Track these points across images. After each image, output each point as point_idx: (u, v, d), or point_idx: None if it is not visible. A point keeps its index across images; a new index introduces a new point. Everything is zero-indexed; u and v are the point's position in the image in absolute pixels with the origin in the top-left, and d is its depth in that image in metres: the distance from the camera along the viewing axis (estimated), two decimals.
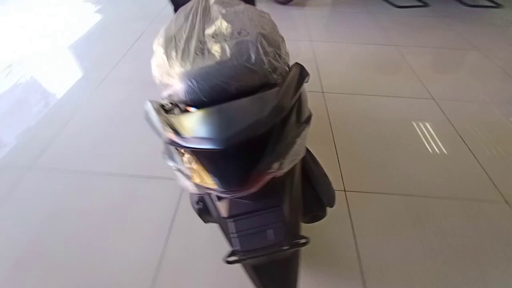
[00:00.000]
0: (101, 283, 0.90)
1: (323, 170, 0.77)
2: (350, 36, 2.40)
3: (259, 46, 0.47)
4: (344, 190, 1.18)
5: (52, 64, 1.92)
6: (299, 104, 0.56)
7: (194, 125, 0.41)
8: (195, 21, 0.55)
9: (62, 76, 1.80)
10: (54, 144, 1.35)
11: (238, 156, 0.44)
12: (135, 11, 2.62)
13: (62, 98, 1.63)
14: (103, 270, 0.93)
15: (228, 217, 0.50)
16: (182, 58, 0.47)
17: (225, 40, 0.48)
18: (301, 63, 0.59)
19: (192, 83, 0.44)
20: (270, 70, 0.48)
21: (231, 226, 0.49)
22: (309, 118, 0.59)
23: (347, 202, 1.14)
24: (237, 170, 0.43)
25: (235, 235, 0.48)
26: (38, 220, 1.06)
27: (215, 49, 0.47)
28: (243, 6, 0.61)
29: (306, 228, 0.84)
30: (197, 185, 0.46)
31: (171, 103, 0.50)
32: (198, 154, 0.44)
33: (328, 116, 1.55)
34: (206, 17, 0.56)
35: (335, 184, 1.19)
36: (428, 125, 1.53)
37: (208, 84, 0.44)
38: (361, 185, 1.21)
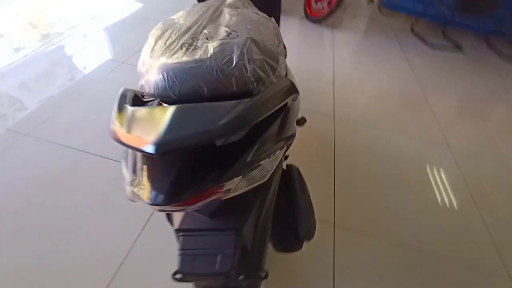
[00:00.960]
0: (62, 265, 0.86)
1: (309, 198, 0.72)
2: (374, 66, 2.34)
3: (244, 51, 0.42)
4: (334, 225, 1.11)
5: (85, 41, 1.97)
6: (280, 122, 0.51)
7: (139, 122, 0.36)
8: (200, 18, 0.52)
9: (90, 55, 1.85)
10: (57, 116, 1.36)
11: (183, 166, 0.39)
12: (177, 4, 2.69)
13: (82, 75, 1.66)
14: (71, 252, 0.90)
15: (178, 230, 0.45)
16: (166, 49, 0.44)
17: (213, 40, 0.45)
18: (292, 80, 0.54)
19: (163, 76, 0.40)
20: (253, 79, 0.43)
21: (179, 240, 0.44)
22: (288, 138, 0.54)
23: (334, 238, 1.06)
24: (172, 181, 0.37)
25: (179, 252, 0.42)
26: (19, 186, 1.05)
27: (201, 47, 0.44)
28: (252, 12, 0.58)
29: (282, 256, 0.78)
30: (131, 190, 0.41)
31: (144, 95, 0.46)
32: (143, 156, 0.40)
33: (334, 142, 1.49)
34: (213, 16, 0.53)
35: (326, 215, 1.12)
36: (437, 173, 1.44)
37: (180, 81, 0.40)
38: (354, 224, 1.13)
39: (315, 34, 2.74)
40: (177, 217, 0.48)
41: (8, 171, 1.10)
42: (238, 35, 0.45)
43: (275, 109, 0.44)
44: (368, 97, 1.95)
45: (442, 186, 1.37)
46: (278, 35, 0.55)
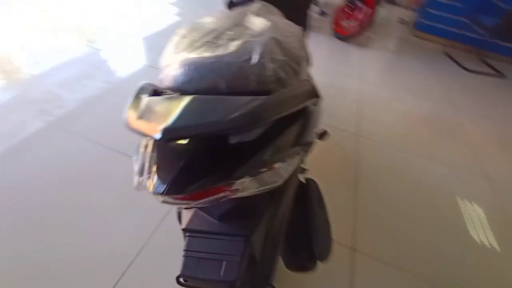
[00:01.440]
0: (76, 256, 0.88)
1: (327, 216, 0.67)
2: (404, 87, 2.25)
3: (266, 49, 0.42)
4: (353, 249, 1.03)
5: (124, 48, 2.13)
6: (299, 126, 0.49)
7: (152, 109, 0.36)
8: (226, 22, 0.52)
9: (128, 60, 1.98)
10: (91, 115, 1.44)
11: (193, 159, 0.38)
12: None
13: (119, 79, 1.78)
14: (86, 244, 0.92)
15: (185, 229, 0.43)
16: (189, 46, 0.45)
17: (236, 40, 0.45)
18: (313, 84, 0.52)
19: (183, 69, 0.40)
20: (273, 79, 0.42)
21: (185, 241, 0.42)
22: (305, 145, 0.51)
23: (352, 263, 0.99)
24: (178, 172, 0.36)
25: (183, 253, 0.40)
26: (46, 177, 1.11)
27: (223, 45, 0.44)
28: (278, 18, 0.58)
29: (294, 275, 0.73)
30: (138, 180, 0.40)
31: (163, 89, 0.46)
32: (154, 147, 0.40)
33: (357, 161, 1.42)
34: (239, 20, 0.54)
35: (344, 238, 1.05)
36: (474, 207, 1.31)
37: (199, 75, 0.40)
38: (375, 250, 1.05)
39: (343, 51, 2.73)
40: (186, 216, 0.46)
41: (40, 160, 1.16)
42: (261, 36, 0.45)
43: (293, 110, 0.42)
44: (396, 118, 1.87)
45: (476, 221, 1.24)
46: (302, 40, 0.53)
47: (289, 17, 0.65)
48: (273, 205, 0.49)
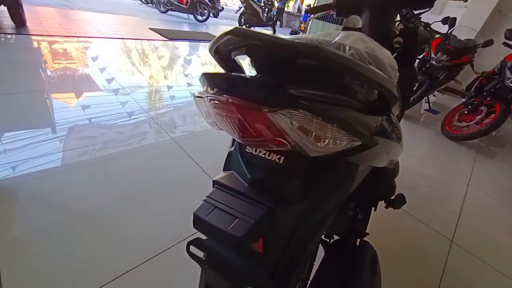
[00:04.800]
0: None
1: (378, 283, 0.62)
2: None
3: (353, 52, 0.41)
4: None
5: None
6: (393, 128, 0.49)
7: None
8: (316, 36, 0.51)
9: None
10: (199, 140, 1.87)
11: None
12: None
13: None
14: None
15: (214, 181, 0.42)
16: None
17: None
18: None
19: None
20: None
21: (212, 190, 0.41)
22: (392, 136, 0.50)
23: None
24: (253, 83, 0.34)
25: (204, 197, 0.39)
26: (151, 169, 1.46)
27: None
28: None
29: None
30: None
31: None
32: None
33: (443, 271, 1.16)
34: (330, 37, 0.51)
35: None
36: None
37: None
38: None
39: (452, 149, 2.48)
40: (220, 174, 0.46)
41: (151, 159, 1.56)
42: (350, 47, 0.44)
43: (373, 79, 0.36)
44: (502, 234, 1.46)
45: None
46: (393, 66, 0.48)
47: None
48: (319, 198, 0.41)
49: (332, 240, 0.84)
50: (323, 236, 0.90)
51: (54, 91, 1.98)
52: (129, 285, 0.87)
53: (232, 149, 0.49)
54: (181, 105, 2.30)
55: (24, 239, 0.94)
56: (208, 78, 0.37)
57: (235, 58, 0.44)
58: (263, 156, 0.41)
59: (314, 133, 0.34)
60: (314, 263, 0.69)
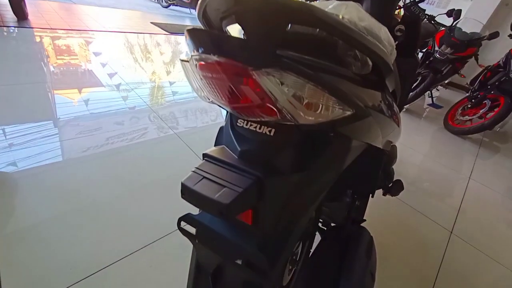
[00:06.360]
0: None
1: (372, 268, 0.62)
2: None
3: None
4: None
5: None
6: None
7: None
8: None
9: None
10: (202, 134, 1.87)
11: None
12: None
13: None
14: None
15: (204, 154, 0.42)
16: None
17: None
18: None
19: None
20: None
21: (201, 162, 0.41)
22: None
23: None
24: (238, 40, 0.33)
25: (193, 169, 0.39)
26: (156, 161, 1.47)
27: None
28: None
29: None
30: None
31: None
32: None
33: (442, 260, 1.16)
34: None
35: None
36: None
37: None
38: None
39: (454, 143, 2.46)
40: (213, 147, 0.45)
41: (154, 155, 1.57)
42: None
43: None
44: (502, 227, 1.45)
45: None
46: (389, 41, 0.46)
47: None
48: (311, 171, 0.40)
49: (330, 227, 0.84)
50: (320, 225, 0.91)
51: (56, 83, 1.99)
52: (128, 269, 0.88)
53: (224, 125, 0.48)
54: (183, 100, 2.30)
55: (26, 226, 0.95)
56: (192, 35, 0.35)
57: (227, 29, 0.43)
58: (254, 129, 0.40)
59: (303, 98, 0.33)
60: (311, 250, 0.69)
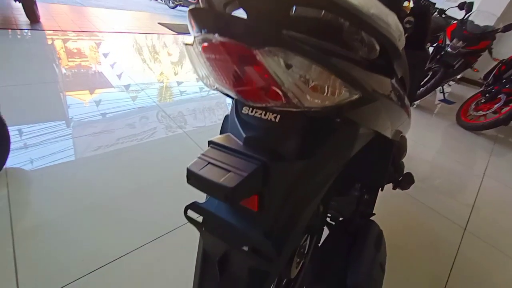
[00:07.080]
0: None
1: (382, 259, 0.61)
2: None
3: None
4: None
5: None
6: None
7: None
8: None
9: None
10: (208, 132, 1.88)
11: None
12: None
13: None
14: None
15: (210, 141, 0.42)
16: None
17: None
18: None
19: None
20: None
21: (207, 149, 0.41)
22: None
23: None
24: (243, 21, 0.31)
25: (199, 155, 0.39)
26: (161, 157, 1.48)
27: None
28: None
29: None
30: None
31: None
32: None
33: (455, 258, 1.12)
34: None
35: None
36: None
37: None
38: None
39: (467, 139, 2.38)
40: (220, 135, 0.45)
41: (161, 151, 1.59)
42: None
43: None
44: None
45: None
46: (398, 27, 0.44)
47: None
48: (318, 157, 0.39)
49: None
50: (329, 219, 0.90)
51: (68, 83, 2.04)
52: (137, 262, 0.89)
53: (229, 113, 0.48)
54: (192, 99, 2.32)
55: (39, 221, 0.98)
56: (195, 14, 0.34)
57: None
58: (259, 116, 0.40)
59: (308, 80, 0.31)
60: (319, 244, 0.68)
